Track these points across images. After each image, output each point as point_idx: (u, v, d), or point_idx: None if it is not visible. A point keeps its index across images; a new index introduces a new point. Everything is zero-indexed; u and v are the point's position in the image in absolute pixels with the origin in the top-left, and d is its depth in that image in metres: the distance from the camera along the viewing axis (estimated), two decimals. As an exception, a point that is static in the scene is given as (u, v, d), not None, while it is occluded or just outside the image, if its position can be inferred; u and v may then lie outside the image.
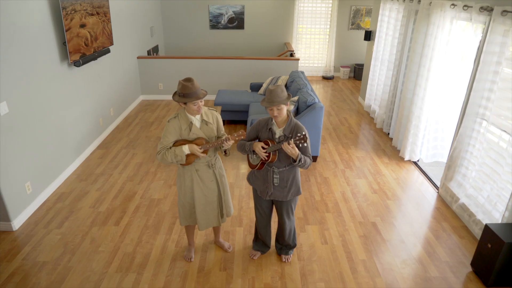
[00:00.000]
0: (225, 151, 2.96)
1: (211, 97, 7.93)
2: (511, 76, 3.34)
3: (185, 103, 2.73)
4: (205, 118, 2.87)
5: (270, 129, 2.82)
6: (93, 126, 5.47)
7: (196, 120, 2.85)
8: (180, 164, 2.88)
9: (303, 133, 2.63)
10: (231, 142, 2.77)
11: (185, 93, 2.67)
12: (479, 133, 3.69)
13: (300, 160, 2.69)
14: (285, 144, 2.60)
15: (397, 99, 5.77)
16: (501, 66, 3.42)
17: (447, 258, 3.41)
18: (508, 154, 3.30)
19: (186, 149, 2.78)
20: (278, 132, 2.80)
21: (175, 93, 2.76)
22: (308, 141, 2.61)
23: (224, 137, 2.76)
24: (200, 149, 2.79)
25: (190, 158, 2.85)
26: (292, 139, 2.62)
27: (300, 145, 2.66)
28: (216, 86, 7.83)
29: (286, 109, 2.74)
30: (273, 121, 2.82)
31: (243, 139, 2.95)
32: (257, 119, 4.97)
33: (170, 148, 2.83)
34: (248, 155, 2.98)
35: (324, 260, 3.37)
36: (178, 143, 2.84)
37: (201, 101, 2.75)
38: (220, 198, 3.10)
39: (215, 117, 2.95)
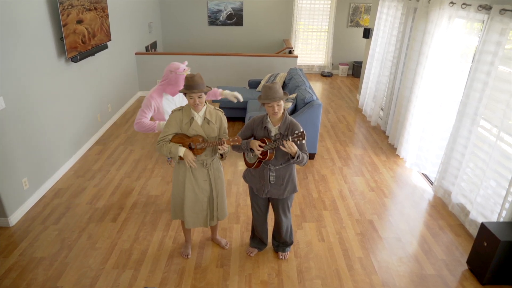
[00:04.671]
0: (221, 155, 2.92)
1: (209, 93, 7.91)
2: (506, 75, 3.34)
3: (185, 95, 2.77)
4: (208, 116, 2.86)
5: (265, 127, 2.81)
6: (90, 122, 5.45)
7: (198, 116, 2.84)
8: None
9: (301, 130, 2.63)
10: (226, 146, 2.76)
11: (185, 85, 2.73)
12: (476, 132, 3.69)
13: (298, 157, 2.70)
14: (286, 144, 2.61)
15: (395, 97, 5.77)
16: (493, 66, 3.43)
17: (443, 256, 3.43)
18: (504, 153, 3.31)
19: (181, 151, 2.80)
20: (274, 130, 2.80)
21: None
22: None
23: (220, 140, 2.74)
24: (194, 146, 2.80)
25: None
26: (290, 137, 2.62)
27: (298, 142, 2.66)
28: (214, 82, 7.81)
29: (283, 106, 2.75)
30: (268, 119, 2.81)
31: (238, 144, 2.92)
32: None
33: (169, 142, 2.85)
34: (244, 153, 2.98)
35: (320, 258, 3.38)
36: (177, 136, 2.85)
37: (198, 97, 2.73)
38: (211, 199, 3.08)
39: (219, 118, 2.93)
